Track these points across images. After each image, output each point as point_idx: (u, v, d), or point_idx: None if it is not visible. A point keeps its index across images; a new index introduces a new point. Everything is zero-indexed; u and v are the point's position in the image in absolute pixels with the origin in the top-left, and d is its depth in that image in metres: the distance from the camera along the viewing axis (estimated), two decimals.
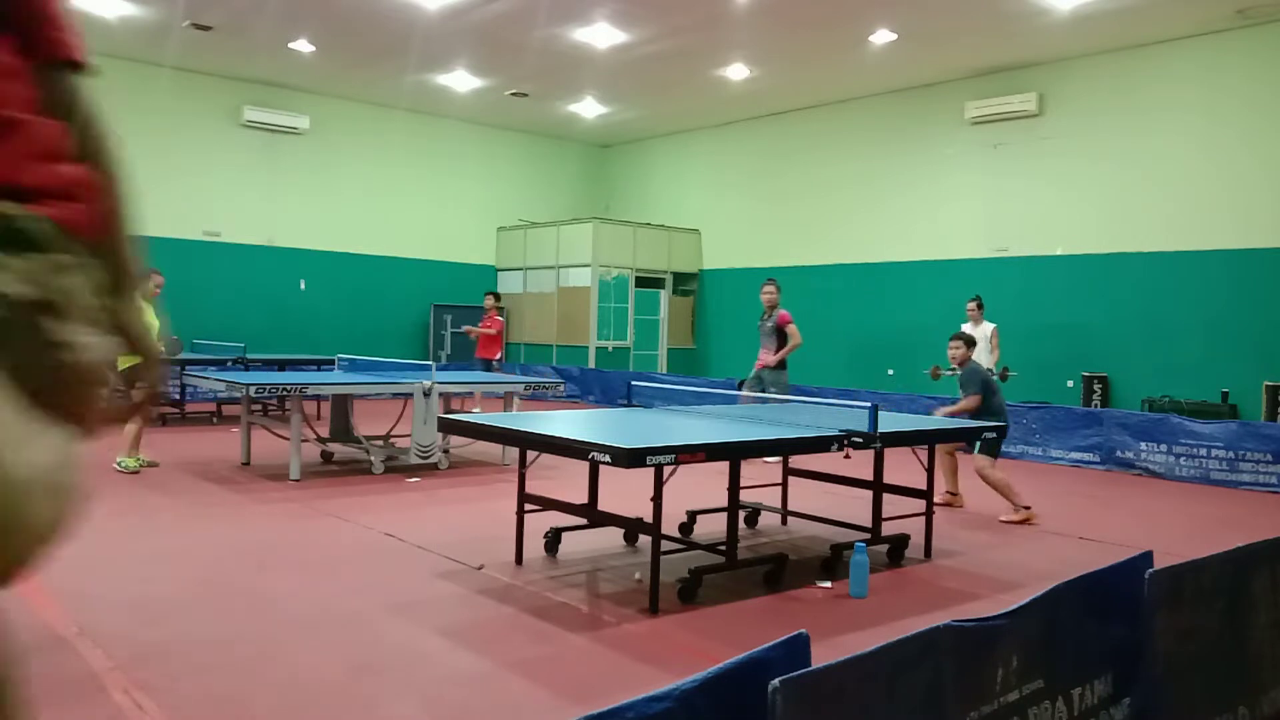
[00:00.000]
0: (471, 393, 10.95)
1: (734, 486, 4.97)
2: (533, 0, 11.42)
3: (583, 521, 5.51)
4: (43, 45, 0.88)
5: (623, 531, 5.90)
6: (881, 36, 12.38)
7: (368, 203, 16.94)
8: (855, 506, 6.63)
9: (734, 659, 1.62)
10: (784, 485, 6.75)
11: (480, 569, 5.21)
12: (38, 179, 0.83)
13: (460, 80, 15.18)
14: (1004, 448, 7.73)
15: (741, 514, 6.21)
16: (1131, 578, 2.49)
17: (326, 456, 9.05)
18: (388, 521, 6.31)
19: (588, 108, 16.79)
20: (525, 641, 4.07)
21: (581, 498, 5.64)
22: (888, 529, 5.80)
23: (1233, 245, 11.59)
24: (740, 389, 10.57)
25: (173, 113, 14.53)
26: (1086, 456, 10.24)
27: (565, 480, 7.18)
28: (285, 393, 8.38)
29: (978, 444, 6.84)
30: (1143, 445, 9.80)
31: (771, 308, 9.83)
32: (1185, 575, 2.60)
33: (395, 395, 10.16)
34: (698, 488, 6.47)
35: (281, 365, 11.91)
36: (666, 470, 4.45)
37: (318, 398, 11.18)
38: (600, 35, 12.63)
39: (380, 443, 8.65)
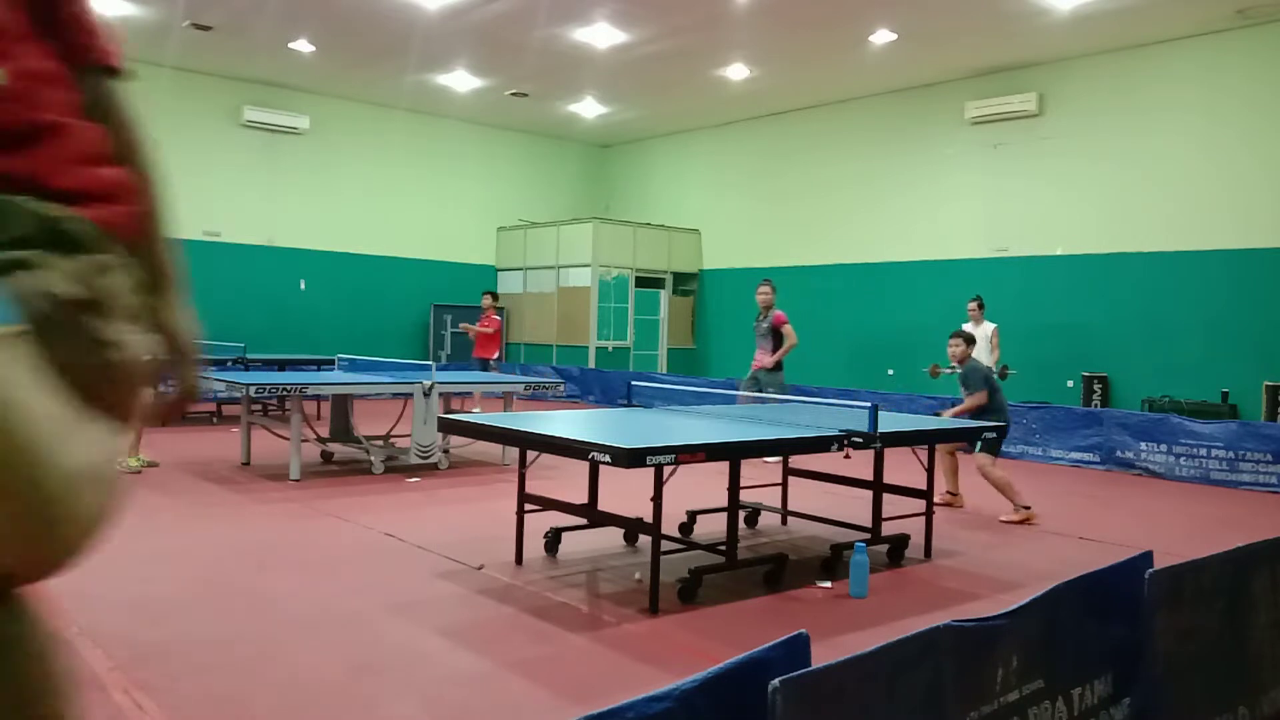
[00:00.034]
0: (471, 393, 10.94)
1: (734, 486, 4.97)
2: (533, 0, 11.42)
3: (583, 521, 5.51)
4: (81, 51, 0.91)
5: (623, 531, 5.90)
6: (881, 36, 12.38)
7: (368, 203, 16.95)
8: (855, 506, 6.63)
9: (734, 659, 1.62)
10: (784, 485, 6.75)
11: (480, 569, 5.21)
12: (80, 182, 0.86)
13: (460, 80, 15.19)
14: (1004, 448, 7.74)
15: (741, 514, 6.21)
16: (1131, 578, 2.49)
17: (326, 456, 9.05)
18: (388, 521, 6.31)
19: (588, 108, 16.79)
20: (525, 641, 4.07)
21: (581, 498, 5.64)
22: (888, 529, 5.80)
23: (1233, 245, 11.59)
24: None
25: (172, 113, 14.53)
26: (1086, 456, 10.24)
27: (565, 480, 7.18)
28: (285, 393, 8.38)
29: (979, 443, 6.84)
30: (1143, 445, 9.80)
31: (767, 308, 9.82)
32: (1185, 575, 2.60)
33: (395, 395, 10.17)
34: (698, 488, 6.47)
35: (281, 365, 11.91)
36: (666, 470, 4.45)
37: (318, 398, 11.19)
38: (600, 35, 12.63)
39: (380, 443, 8.65)
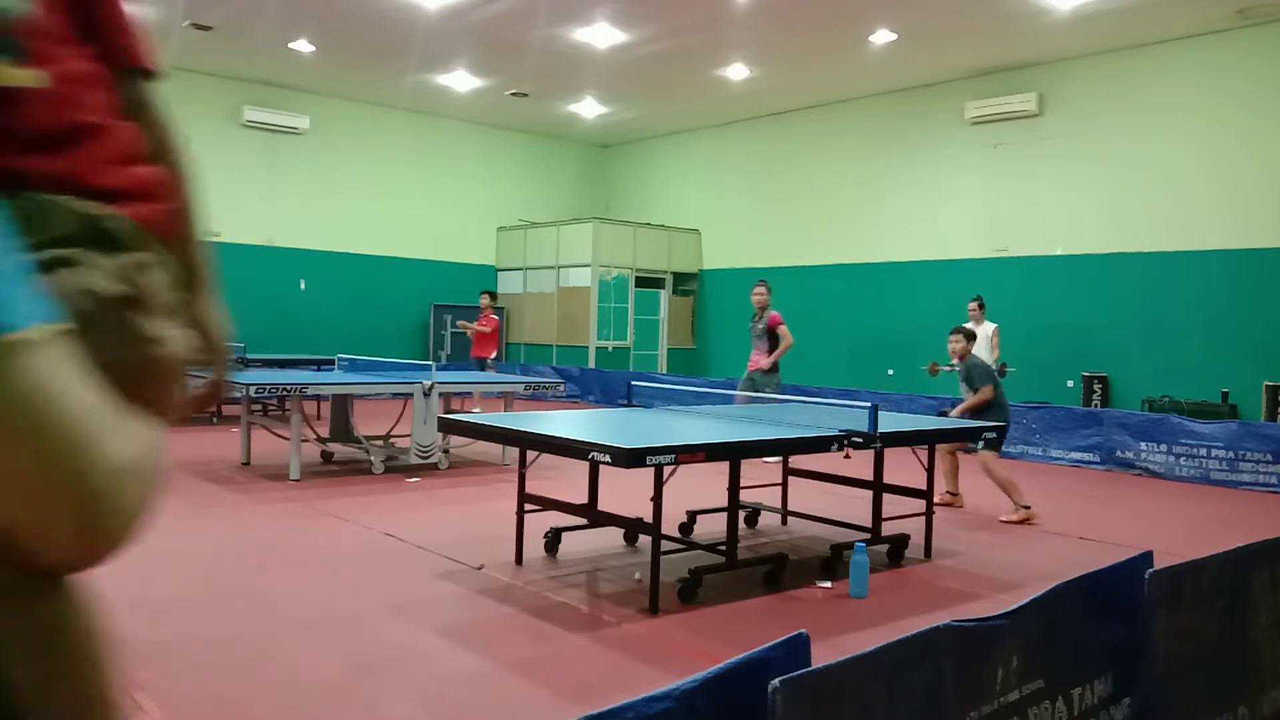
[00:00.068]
0: (470, 393, 10.94)
1: (734, 486, 4.97)
2: (533, 0, 11.43)
3: (583, 521, 5.51)
4: (119, 54, 0.94)
5: (623, 531, 5.90)
6: (881, 36, 12.38)
7: (368, 203, 16.95)
8: (855, 506, 6.63)
9: (734, 659, 1.62)
10: (784, 485, 6.75)
11: (480, 569, 5.21)
12: (119, 181, 0.89)
13: (460, 80, 15.19)
14: (1004, 448, 7.74)
15: (741, 514, 6.21)
16: (1131, 578, 2.49)
17: (326, 456, 9.05)
18: (388, 521, 6.32)
19: (588, 108, 16.79)
20: (525, 641, 4.07)
21: (581, 498, 5.64)
22: (888, 529, 5.80)
23: (1233, 245, 11.59)
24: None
25: (172, 113, 14.52)
26: (1086, 456, 10.24)
27: (565, 480, 7.18)
28: (285, 393, 8.38)
29: (982, 440, 6.84)
30: (1143, 445, 9.80)
31: (762, 309, 9.81)
32: (1185, 575, 2.60)
33: (395, 395, 10.17)
34: (698, 488, 6.47)
35: (281, 365, 11.91)
36: (666, 470, 4.45)
37: (318, 398, 11.19)
38: (600, 35, 12.63)
39: (380, 443, 8.65)
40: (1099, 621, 2.44)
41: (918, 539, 5.90)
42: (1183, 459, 9.49)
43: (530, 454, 5.39)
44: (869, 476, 5.93)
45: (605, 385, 15.21)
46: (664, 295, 18.09)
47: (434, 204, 17.75)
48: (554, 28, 12.38)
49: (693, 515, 6.21)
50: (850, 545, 5.17)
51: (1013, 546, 6.26)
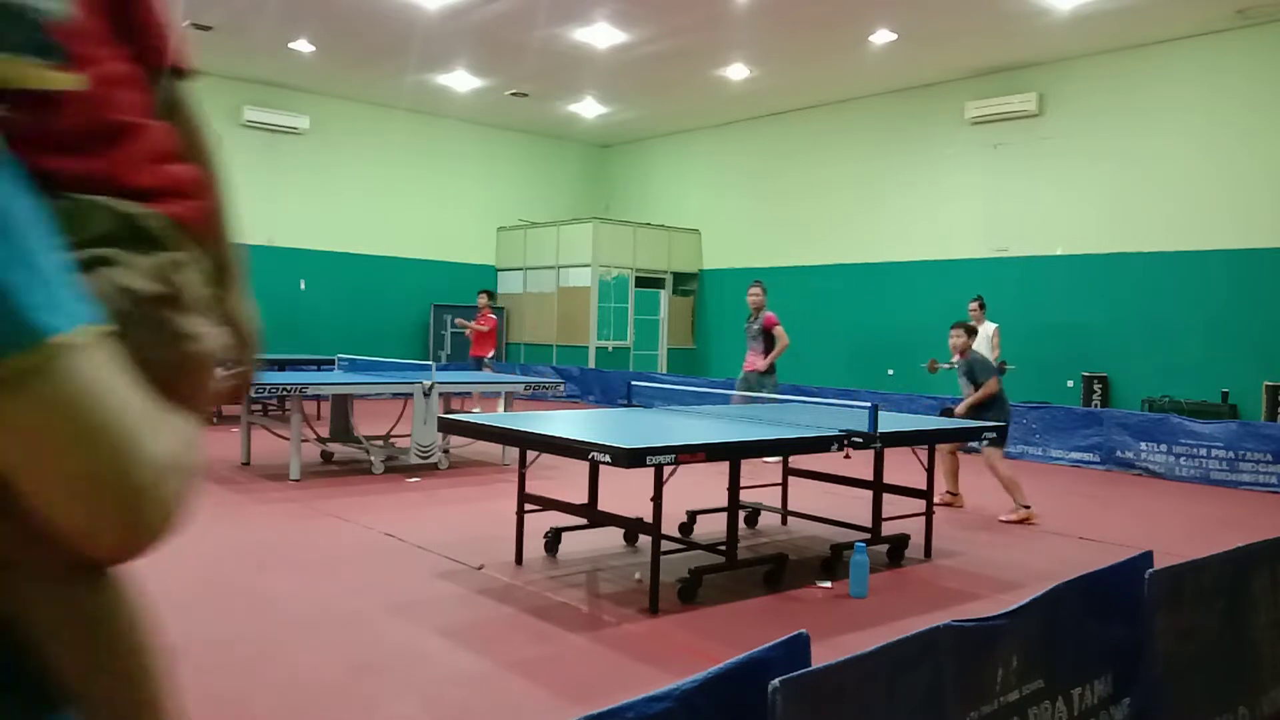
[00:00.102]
0: (470, 393, 10.95)
1: (734, 486, 4.97)
2: (533, 0, 11.43)
3: (583, 521, 5.51)
4: (154, 54, 0.96)
5: (623, 531, 5.90)
6: (881, 36, 12.38)
7: (368, 203, 16.94)
8: (855, 506, 6.63)
9: (734, 659, 1.62)
10: (784, 485, 6.75)
11: (480, 569, 5.21)
12: (154, 179, 0.91)
13: (460, 80, 15.19)
14: (1004, 448, 7.75)
15: (741, 514, 6.21)
16: (1131, 578, 2.49)
17: (326, 456, 9.05)
18: (388, 521, 6.31)
19: (588, 108, 16.79)
20: (525, 641, 4.07)
21: (581, 498, 5.64)
22: (888, 529, 5.80)
23: (1233, 245, 11.59)
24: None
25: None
26: (1086, 456, 10.24)
27: (565, 480, 7.17)
28: (285, 393, 8.38)
29: (986, 439, 6.83)
30: (1143, 445, 9.80)
31: (758, 310, 9.80)
32: (1185, 575, 2.60)
33: (395, 395, 10.17)
34: (698, 488, 6.47)
35: (281, 365, 11.91)
36: (666, 470, 4.45)
37: (318, 398, 11.18)
38: (600, 35, 12.63)
39: (380, 443, 8.65)
40: (1099, 621, 2.44)
41: (918, 539, 5.90)
42: (1183, 459, 9.49)
43: (530, 454, 5.39)
44: (869, 476, 5.93)
45: (605, 385, 15.21)
46: (664, 295, 18.09)
47: (434, 204, 17.75)
48: (554, 28, 12.38)
49: (693, 515, 6.21)
50: (850, 545, 5.17)
51: (1013, 546, 6.26)
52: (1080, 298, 12.88)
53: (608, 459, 4.18)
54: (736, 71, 14.24)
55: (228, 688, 3.44)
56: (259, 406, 10.09)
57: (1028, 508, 7.06)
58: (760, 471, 7.79)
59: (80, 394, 0.58)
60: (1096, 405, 12.13)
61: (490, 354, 12.86)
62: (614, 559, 5.61)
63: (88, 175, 0.85)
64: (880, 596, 4.96)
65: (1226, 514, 7.72)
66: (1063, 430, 10.48)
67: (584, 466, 5.18)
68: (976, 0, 10.98)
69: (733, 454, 4.76)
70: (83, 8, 0.85)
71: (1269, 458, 8.93)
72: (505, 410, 10.31)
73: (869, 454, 5.44)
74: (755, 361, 9.73)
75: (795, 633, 1.72)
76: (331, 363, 12.10)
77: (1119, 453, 9.99)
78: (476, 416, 6.74)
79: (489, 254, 18.73)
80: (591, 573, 5.30)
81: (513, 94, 15.94)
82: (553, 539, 5.65)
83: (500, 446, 8.92)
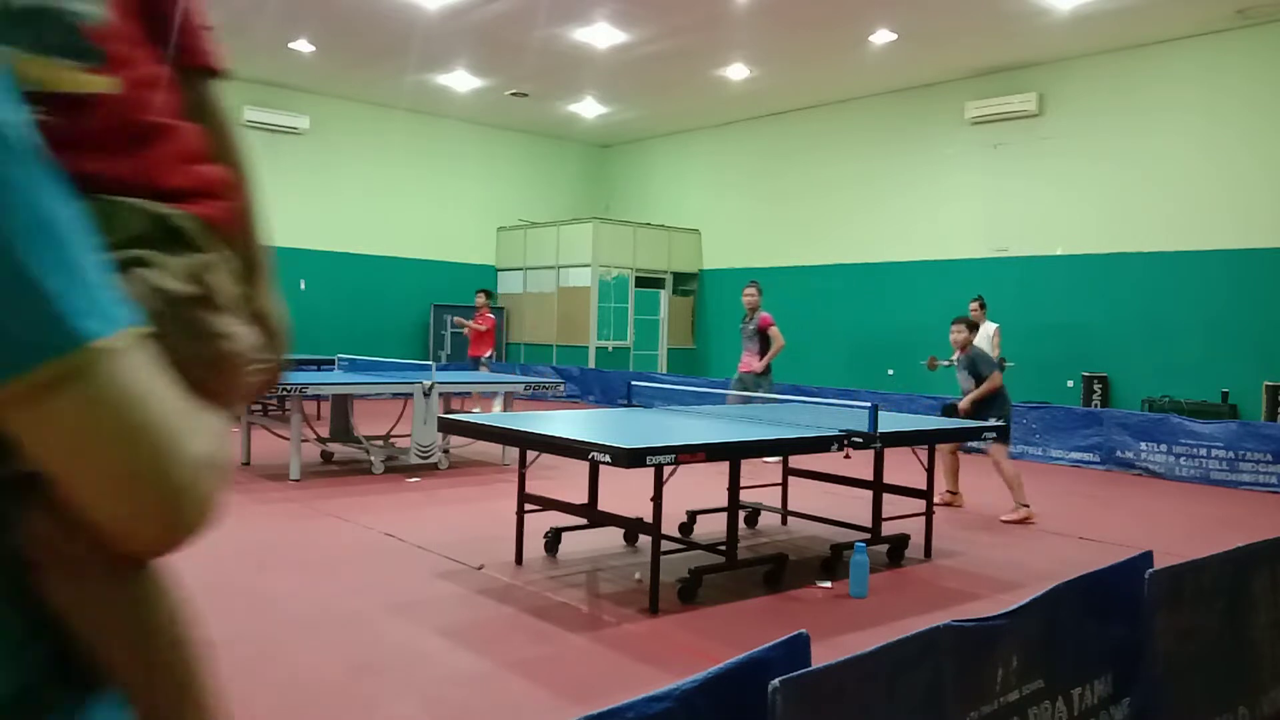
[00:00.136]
0: (470, 393, 10.94)
1: (734, 486, 4.97)
2: (533, 0, 11.43)
3: (583, 521, 5.51)
4: (185, 54, 0.98)
5: (623, 531, 5.90)
6: (881, 36, 12.38)
7: (368, 203, 16.94)
8: (855, 506, 6.63)
9: (734, 659, 1.62)
10: (784, 485, 6.75)
11: (480, 569, 5.21)
12: (186, 180, 0.92)
13: (460, 80, 15.19)
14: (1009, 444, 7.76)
15: (741, 514, 6.21)
16: (1131, 578, 2.49)
17: (326, 456, 9.05)
18: (388, 521, 6.31)
19: (588, 108, 16.79)
20: (525, 641, 4.07)
21: (581, 498, 5.64)
22: (888, 529, 5.80)
23: (1233, 245, 11.59)
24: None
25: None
26: (1086, 456, 10.24)
27: (565, 480, 7.17)
28: (285, 393, 8.37)
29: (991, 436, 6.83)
30: (1143, 445, 9.80)
31: (753, 310, 9.79)
32: (1185, 575, 2.60)
33: (395, 395, 10.17)
34: (698, 488, 6.47)
35: None
36: (666, 470, 4.45)
37: (318, 398, 11.18)
38: (600, 35, 12.63)
39: (380, 443, 8.65)
40: (1099, 621, 2.44)
41: (918, 539, 5.90)
42: (1183, 459, 9.49)
43: (530, 454, 5.39)
44: (869, 476, 5.93)
45: (605, 385, 15.20)
46: (664, 295, 18.09)
47: (434, 204, 17.75)
48: (554, 28, 12.37)
49: (693, 515, 6.21)
50: (850, 545, 5.17)
51: (1013, 546, 6.26)
52: (1080, 298, 12.88)
53: (608, 459, 4.18)
54: (736, 71, 14.24)
55: (228, 688, 3.43)
56: (259, 406, 10.09)
57: (1026, 506, 7.06)
58: (760, 471, 7.79)
59: (122, 396, 0.60)
60: (1096, 405, 12.13)
61: (488, 353, 12.83)
62: (614, 559, 5.61)
63: (120, 177, 0.86)
64: (880, 596, 4.96)
65: (1226, 514, 7.72)
66: (1063, 430, 10.48)
67: (584, 466, 5.18)
68: (976, 0, 10.98)
69: (733, 454, 4.76)
70: (117, 10, 0.86)
71: (1269, 458, 8.93)
72: (501, 410, 10.32)
73: (869, 454, 5.44)
74: (751, 362, 9.71)
75: (795, 633, 1.72)
76: (331, 363, 12.10)
77: (1119, 453, 9.99)
78: (476, 416, 6.75)
79: (489, 254, 18.73)
80: (591, 573, 5.30)
81: (513, 94, 15.94)
82: (553, 539, 5.65)
83: (500, 446, 8.92)
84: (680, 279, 18.37)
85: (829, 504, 6.91)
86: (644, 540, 5.82)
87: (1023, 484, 7.10)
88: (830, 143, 16.01)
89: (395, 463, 8.60)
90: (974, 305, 10.42)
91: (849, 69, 13.93)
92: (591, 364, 16.77)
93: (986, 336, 10.04)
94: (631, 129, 18.49)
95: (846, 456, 5.23)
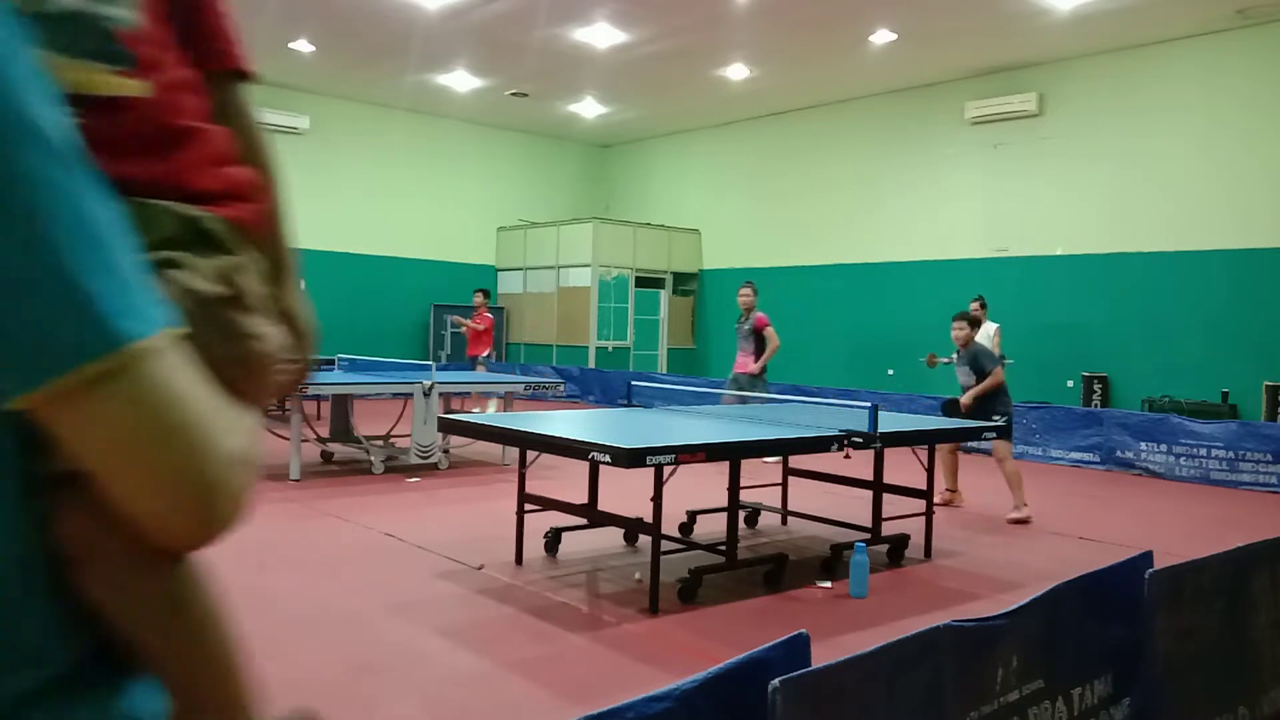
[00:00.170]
0: (469, 393, 10.95)
1: (734, 486, 4.97)
2: (533, 0, 11.43)
3: (583, 521, 5.51)
4: (214, 57, 0.99)
5: (623, 531, 5.90)
6: (881, 36, 12.38)
7: (368, 203, 16.94)
8: (855, 506, 6.63)
9: (734, 659, 1.62)
10: (784, 485, 6.75)
11: (480, 569, 5.21)
12: (215, 183, 0.94)
13: (460, 80, 15.19)
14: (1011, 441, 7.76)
15: (741, 514, 6.21)
16: (1131, 578, 2.49)
17: (326, 456, 9.05)
18: (388, 521, 6.32)
19: (588, 108, 16.79)
20: (525, 641, 4.07)
21: (581, 498, 5.64)
22: (888, 529, 5.80)
23: (1233, 245, 11.59)
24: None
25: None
26: (1086, 456, 10.24)
27: (565, 480, 7.17)
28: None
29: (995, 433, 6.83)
30: (1143, 445, 9.80)
31: (749, 310, 9.79)
32: (1185, 575, 2.60)
33: (395, 395, 10.18)
34: (698, 488, 6.47)
35: None
36: (666, 470, 4.45)
37: (318, 398, 11.18)
38: (600, 35, 12.63)
39: (380, 443, 8.65)
40: (1099, 621, 2.44)
41: (918, 539, 5.90)
42: (1183, 459, 9.49)
43: (530, 454, 5.39)
44: (869, 476, 5.93)
45: (605, 385, 15.20)
46: (664, 295, 18.09)
47: (434, 204, 17.75)
48: (554, 28, 12.38)
49: (693, 515, 6.21)
50: (850, 545, 5.17)
51: (1013, 546, 6.26)
52: (1080, 298, 12.88)
53: (608, 459, 4.18)
54: (736, 71, 14.24)
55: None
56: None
57: (1025, 505, 7.06)
58: (760, 471, 7.79)
59: (161, 395, 0.61)
60: (1096, 405, 12.13)
61: (485, 353, 12.80)
62: (614, 559, 5.61)
63: (151, 179, 0.88)
64: (880, 596, 4.96)
65: (1226, 514, 7.72)
66: (1063, 430, 10.48)
67: (584, 466, 5.18)
68: (976, 0, 10.98)
69: (733, 454, 4.76)
70: (150, 16, 0.88)
71: (1269, 458, 8.93)
72: (495, 410, 10.32)
73: (869, 454, 5.44)
74: (746, 363, 9.71)
75: (795, 633, 1.72)
76: (331, 363, 12.10)
77: (1119, 453, 9.99)
78: (476, 416, 6.74)
79: (489, 254, 18.73)
80: (591, 573, 5.30)
81: (513, 94, 15.94)
82: (553, 539, 5.65)
83: (500, 446, 8.92)
84: (680, 279, 18.37)
85: (829, 504, 6.91)
86: (644, 540, 5.82)
87: (1022, 482, 7.10)
88: (830, 143, 16.01)
89: (395, 463, 8.60)
90: (974, 305, 10.40)
91: (849, 69, 13.93)
92: (591, 364, 16.77)
93: (987, 336, 10.04)
94: (631, 129, 18.49)
95: (846, 456, 5.24)
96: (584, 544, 5.77)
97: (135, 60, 0.86)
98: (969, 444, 8.01)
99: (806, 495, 7.18)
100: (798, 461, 6.71)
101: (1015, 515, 7.02)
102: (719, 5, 11.40)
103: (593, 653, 3.98)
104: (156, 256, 0.83)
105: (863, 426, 5.15)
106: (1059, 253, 13.14)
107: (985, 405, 7.15)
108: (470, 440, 8.54)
